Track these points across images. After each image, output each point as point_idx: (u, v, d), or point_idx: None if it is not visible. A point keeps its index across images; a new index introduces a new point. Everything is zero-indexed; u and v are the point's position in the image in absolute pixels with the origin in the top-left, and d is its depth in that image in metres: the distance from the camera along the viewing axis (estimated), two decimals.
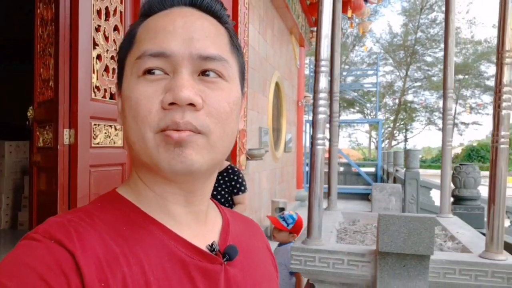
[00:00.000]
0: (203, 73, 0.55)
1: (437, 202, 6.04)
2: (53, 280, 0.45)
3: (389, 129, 50.03)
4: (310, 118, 15.84)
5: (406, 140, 52.08)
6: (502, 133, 1.71)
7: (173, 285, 0.52)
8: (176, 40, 0.54)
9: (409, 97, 47.97)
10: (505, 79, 1.71)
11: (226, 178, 3.09)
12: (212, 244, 0.59)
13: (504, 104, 1.74)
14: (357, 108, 52.88)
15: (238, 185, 3.07)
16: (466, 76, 43.91)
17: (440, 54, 45.49)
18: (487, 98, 45.21)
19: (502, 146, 1.70)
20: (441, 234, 2.02)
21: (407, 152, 5.62)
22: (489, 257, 1.45)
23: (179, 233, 0.57)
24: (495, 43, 30.11)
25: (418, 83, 46.87)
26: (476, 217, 2.87)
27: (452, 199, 3.31)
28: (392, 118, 49.48)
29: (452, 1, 2.78)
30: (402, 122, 50.93)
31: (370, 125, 53.33)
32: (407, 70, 45.78)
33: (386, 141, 50.61)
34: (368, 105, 52.50)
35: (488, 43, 42.64)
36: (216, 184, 3.08)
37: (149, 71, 0.54)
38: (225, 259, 0.59)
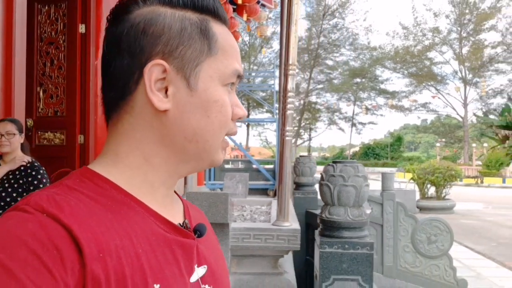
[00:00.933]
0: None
1: None
2: (45, 255, 0.46)
3: (295, 128, 52.37)
4: None
5: (310, 139, 54.88)
6: (287, 128, 2.15)
7: (158, 256, 0.56)
8: (241, 66, 0.64)
9: (313, 99, 50.67)
10: (289, 86, 2.15)
11: (24, 174, 2.82)
12: (184, 222, 0.65)
13: (288, 106, 2.18)
14: (266, 108, 54.60)
15: (36, 182, 2.81)
16: (363, 80, 47.49)
17: (340, 58, 48.74)
18: (382, 100, 49.37)
19: (287, 138, 2.15)
20: (264, 211, 2.44)
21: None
22: (278, 224, 1.86)
23: (158, 211, 0.60)
24: (388, 49, 32.66)
25: (321, 85, 49.65)
26: (312, 199, 3.38)
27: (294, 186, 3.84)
28: (298, 118, 51.85)
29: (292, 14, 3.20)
30: (307, 122, 53.56)
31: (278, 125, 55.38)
32: (311, 72, 48.24)
33: (293, 140, 52.91)
34: (276, 105, 54.51)
35: (382, 49, 46.47)
36: (13, 181, 2.81)
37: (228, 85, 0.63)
38: (196, 235, 0.65)
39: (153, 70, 0.59)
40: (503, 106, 44.99)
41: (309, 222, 3.16)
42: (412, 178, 16.16)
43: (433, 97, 44.26)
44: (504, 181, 27.17)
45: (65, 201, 0.52)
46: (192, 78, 0.60)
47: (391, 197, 5.91)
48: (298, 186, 3.56)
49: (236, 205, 2.85)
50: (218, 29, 0.62)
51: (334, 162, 1.42)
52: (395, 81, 54.11)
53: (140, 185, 0.61)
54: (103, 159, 0.62)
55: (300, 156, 3.83)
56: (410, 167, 16.30)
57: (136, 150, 0.61)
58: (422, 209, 15.34)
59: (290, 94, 2.04)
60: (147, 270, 0.53)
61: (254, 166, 15.96)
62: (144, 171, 0.61)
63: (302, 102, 49.64)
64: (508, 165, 29.13)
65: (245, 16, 11.00)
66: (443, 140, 52.86)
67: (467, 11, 43.29)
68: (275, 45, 49.92)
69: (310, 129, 53.47)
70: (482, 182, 27.59)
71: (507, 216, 14.46)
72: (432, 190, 15.66)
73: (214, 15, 0.63)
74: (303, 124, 53.35)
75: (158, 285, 0.54)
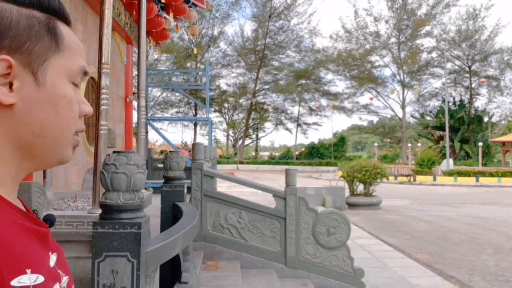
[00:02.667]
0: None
1: (219, 189, 6.88)
2: None
3: (243, 128, 52.65)
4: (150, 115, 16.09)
5: (257, 138, 55.40)
6: (102, 122, 2.27)
7: (24, 244, 0.59)
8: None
9: (260, 99, 51.21)
10: (103, 83, 2.28)
11: None
12: (35, 211, 0.68)
13: (103, 102, 2.31)
14: (216, 107, 54.49)
15: None
16: (307, 81, 48.61)
17: (286, 59, 49.61)
18: (326, 102, 50.75)
19: (102, 132, 2.27)
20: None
21: (193, 145, 6.26)
22: (91, 212, 1.97)
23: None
24: (331, 52, 33.56)
25: (267, 86, 50.29)
26: (178, 192, 3.53)
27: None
28: (245, 118, 52.18)
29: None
30: (256, 122, 54.02)
31: (227, 124, 55.50)
32: (258, 73, 48.74)
33: (240, 140, 53.11)
34: (225, 104, 54.54)
35: (325, 52, 47.75)
36: None
37: (73, 83, 0.65)
38: (48, 224, 0.69)
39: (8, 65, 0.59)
40: (438, 108, 47.68)
41: (175, 214, 3.31)
42: (342, 176, 16.81)
43: (371, 98, 46.10)
44: (435, 179, 28.78)
45: None
46: (40, 73, 0.61)
47: (294, 192, 6.16)
48: (166, 180, 3.70)
49: (85, 197, 2.96)
50: (64, 28, 0.65)
51: (114, 152, 1.55)
52: (338, 83, 55.78)
53: None
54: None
55: (169, 151, 3.97)
56: (341, 166, 16.91)
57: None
58: (350, 205, 16.01)
59: (103, 91, 2.18)
60: (19, 256, 0.56)
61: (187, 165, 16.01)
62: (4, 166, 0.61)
63: (249, 102, 50.04)
64: (439, 164, 30.88)
65: (171, 15, 11.03)
66: (389, 140, 55.17)
67: (405, 17, 45.43)
68: (222, 44, 49.98)
69: (257, 129, 53.99)
70: (414, 180, 29.08)
71: (427, 211, 15.38)
72: (361, 188, 16.37)
73: (59, 16, 0.65)
74: (251, 124, 53.77)
75: (30, 270, 0.57)
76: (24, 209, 0.66)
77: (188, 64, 48.10)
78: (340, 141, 53.23)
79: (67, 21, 0.67)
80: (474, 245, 9.66)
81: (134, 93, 12.29)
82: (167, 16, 11.32)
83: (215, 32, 48.44)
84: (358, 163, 16.16)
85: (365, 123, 61.00)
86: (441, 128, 42.96)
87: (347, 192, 16.47)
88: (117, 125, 11.10)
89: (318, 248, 6.29)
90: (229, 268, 5.75)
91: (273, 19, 47.58)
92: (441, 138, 43.54)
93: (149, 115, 18.90)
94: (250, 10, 59.62)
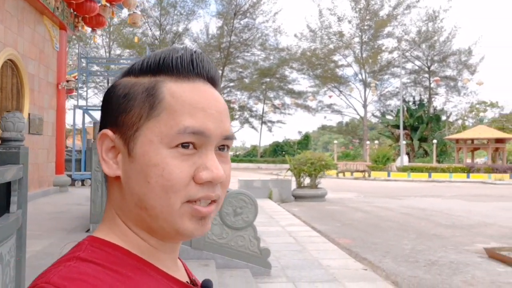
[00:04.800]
0: (219, 147, 0.62)
1: None
2: None
3: None
4: (81, 103, 15.71)
5: None
6: None
7: None
8: (213, 122, 0.59)
9: (225, 97, 51.08)
10: None
11: None
12: (192, 280, 0.68)
13: None
14: None
15: None
16: (272, 79, 48.84)
17: (251, 57, 49.67)
18: (290, 100, 51.08)
19: None
20: None
21: (95, 124, 6.11)
22: None
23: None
24: (295, 51, 33.83)
25: (232, 84, 50.25)
26: (13, 154, 3.39)
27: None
28: None
29: None
30: None
31: None
32: (223, 70, 48.63)
33: None
34: None
35: (289, 50, 48.07)
36: None
37: (182, 144, 0.58)
38: None
39: (103, 139, 0.62)
40: (398, 107, 48.78)
41: None
42: (289, 169, 16.91)
43: (330, 96, 46.75)
44: (389, 175, 29.41)
45: (86, 276, 0.52)
46: (132, 144, 0.60)
47: None
48: (2, 141, 3.58)
49: None
50: (173, 87, 0.60)
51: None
52: (302, 82, 56.18)
53: (143, 250, 0.61)
54: (104, 225, 0.63)
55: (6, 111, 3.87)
56: (288, 159, 17.02)
57: (118, 215, 0.63)
58: (297, 197, 16.12)
59: None
60: None
61: None
62: (136, 239, 0.61)
63: None
64: (394, 160, 31.57)
65: (103, 0, 10.80)
66: (358, 140, 56.03)
67: (367, 17, 46.27)
68: (187, 41, 49.58)
69: None
70: (369, 175, 29.62)
71: (370, 203, 15.67)
72: (308, 181, 16.51)
73: (174, 74, 0.61)
74: None
75: None
76: (187, 278, 0.67)
77: None
78: (305, 139, 53.72)
79: (187, 77, 0.61)
80: (400, 232, 9.88)
81: (67, 81, 11.99)
82: (105, 3, 11.10)
83: (180, 29, 48.03)
84: (304, 155, 16.28)
85: (334, 123, 61.76)
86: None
87: (295, 185, 16.59)
88: (46, 112, 10.78)
89: (225, 229, 6.26)
90: None
91: (239, 17, 47.58)
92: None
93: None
94: (216, 7, 59.37)
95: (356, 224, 10.87)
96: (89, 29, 12.30)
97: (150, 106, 0.59)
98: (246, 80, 48.91)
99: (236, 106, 51.39)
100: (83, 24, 11.48)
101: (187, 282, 0.66)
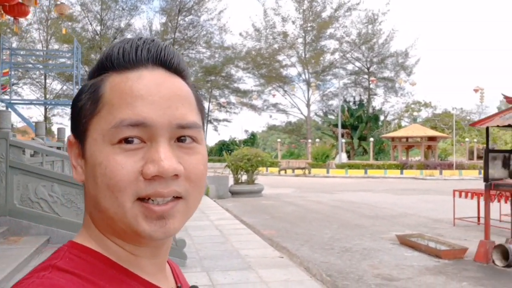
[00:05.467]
0: (179, 138, 0.56)
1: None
2: None
3: None
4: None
5: None
6: None
7: None
8: (155, 109, 0.53)
9: None
10: None
11: None
12: (178, 287, 0.65)
13: None
14: None
15: None
16: (217, 78, 48.72)
17: (196, 55, 49.29)
18: (236, 99, 51.21)
19: None
20: None
21: (1, 112, 5.84)
22: None
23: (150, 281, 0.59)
24: (239, 50, 33.81)
25: None
26: None
27: None
28: None
29: None
30: None
31: None
32: None
33: None
34: (77, 87, 52.78)
35: (234, 49, 48.16)
36: None
37: (125, 140, 0.53)
38: None
39: (71, 146, 0.60)
40: (340, 107, 50.31)
41: None
42: (227, 165, 16.97)
43: (274, 96, 47.45)
44: (328, 172, 30.27)
45: None
46: (83, 146, 0.57)
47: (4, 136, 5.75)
48: None
49: None
50: (115, 80, 0.56)
51: None
52: (247, 81, 56.63)
53: (122, 256, 0.57)
54: (83, 229, 0.61)
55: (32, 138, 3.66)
56: (226, 155, 17.07)
57: (92, 220, 0.60)
58: (234, 193, 16.22)
59: None
60: None
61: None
62: (112, 245, 0.58)
63: None
64: (333, 158, 32.53)
65: None
66: (305, 140, 57.03)
67: (311, 18, 47.31)
68: (129, 37, 48.21)
69: None
70: (309, 172, 30.34)
71: (304, 197, 16.06)
72: (246, 177, 16.65)
73: (119, 67, 0.56)
74: None
75: None
76: (173, 285, 0.65)
77: (93, 56, 45.93)
78: (251, 138, 54.07)
79: (132, 66, 0.56)
80: (324, 222, 10.20)
81: None
82: None
83: (122, 24, 46.74)
84: (241, 151, 16.41)
85: (283, 123, 62.37)
86: (342, 125, 45.35)
87: (232, 182, 16.66)
88: None
89: None
90: (31, 242, 5.43)
91: (183, 14, 47.01)
92: (342, 135, 45.97)
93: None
94: (159, 3, 58.39)
95: (285, 217, 11.10)
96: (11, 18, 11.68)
97: (92, 104, 0.57)
98: (191, 79, 48.41)
99: None
100: (2, 12, 10.88)
101: None
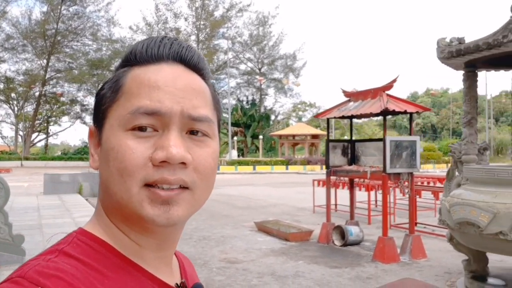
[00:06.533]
0: (191, 131, 0.57)
1: None
2: None
3: (30, 122, 47.07)
4: None
5: (47, 133, 50.26)
6: None
7: None
8: (169, 99, 0.55)
9: (51, 89, 46.71)
10: None
11: None
12: (182, 282, 0.64)
13: None
14: (1, 97, 47.54)
15: None
16: (104, 72, 46.40)
17: (82, 48, 46.40)
18: None
19: None
20: None
21: None
22: None
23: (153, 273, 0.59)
24: (129, 43, 32.34)
25: (60, 74, 46.20)
26: None
27: None
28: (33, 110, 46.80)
29: None
30: (48, 115, 49.07)
31: (16, 117, 48.92)
32: (48, 59, 44.36)
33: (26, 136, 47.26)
34: (13, 95, 47.99)
35: (123, 42, 46.31)
36: None
37: (139, 128, 0.55)
38: None
39: (91, 135, 0.62)
40: (233, 106, 51.19)
41: None
42: None
43: None
44: (218, 168, 30.58)
45: (62, 273, 0.50)
46: (101, 133, 0.59)
47: None
48: None
49: None
50: (136, 72, 0.58)
51: None
52: None
53: (127, 246, 0.58)
54: (94, 216, 0.62)
55: None
56: None
57: (103, 207, 0.61)
58: None
59: None
60: None
61: None
62: (118, 233, 0.58)
63: (38, 91, 45.12)
64: (223, 155, 32.94)
65: None
66: None
67: (204, 16, 47.34)
68: (5, 25, 43.83)
69: (48, 122, 49.12)
70: None
71: None
72: None
73: (142, 61, 0.59)
74: (46, 117, 48.67)
75: None
76: (179, 280, 0.64)
77: None
78: None
79: (151, 60, 0.59)
80: (195, 215, 10.23)
81: None
82: None
83: None
84: None
85: None
86: (236, 124, 46.19)
87: None
88: None
89: None
90: None
91: (67, 3, 43.94)
92: (236, 133, 46.84)
93: None
94: None
95: None
96: None
97: (113, 92, 0.58)
98: (76, 72, 45.49)
99: (65, 99, 47.51)
100: None
101: (177, 284, 0.62)
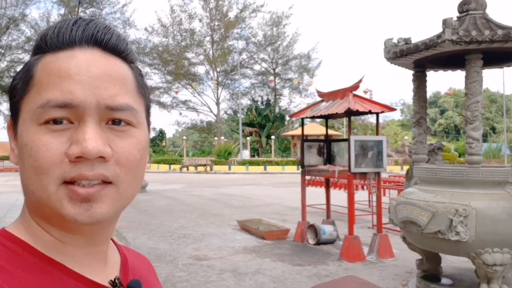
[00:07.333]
0: (112, 121, 0.53)
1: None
2: None
3: None
4: None
5: None
6: None
7: None
8: (82, 89, 0.51)
9: None
10: None
11: None
12: (114, 279, 0.59)
13: None
14: None
15: None
16: None
17: None
18: None
19: None
20: None
21: None
22: None
23: (80, 272, 0.55)
24: (144, 44, 32.64)
25: None
26: None
27: None
28: None
29: None
30: None
31: None
32: None
33: None
34: None
35: (139, 44, 47.00)
36: None
37: (53, 120, 0.51)
38: None
39: (9, 127, 0.58)
40: (248, 106, 51.40)
41: None
42: None
43: (176, 92, 47.25)
44: (230, 168, 30.80)
45: None
46: (16, 128, 0.56)
47: None
48: None
49: None
50: (47, 60, 0.54)
51: None
52: (154, 77, 55.43)
53: (49, 244, 0.55)
54: (19, 216, 0.59)
55: None
56: None
57: (26, 205, 0.58)
58: None
59: None
60: None
61: None
62: (39, 231, 0.55)
63: None
64: (237, 155, 33.17)
65: None
66: (222, 137, 57.06)
67: (218, 17, 47.68)
68: (25, 28, 45.09)
69: None
70: (211, 169, 30.63)
71: (188, 192, 16.23)
72: None
73: (51, 46, 0.54)
74: None
75: None
76: (114, 273, 0.61)
77: None
78: (159, 135, 53.23)
79: (62, 45, 0.54)
80: (185, 213, 10.44)
81: None
82: None
83: (16, 14, 43.50)
84: None
85: (198, 121, 61.67)
86: (250, 124, 46.38)
87: None
88: None
89: None
90: None
91: (84, 6, 44.84)
92: (251, 133, 47.04)
93: None
94: None
95: (151, 210, 11.18)
96: None
97: (23, 84, 0.55)
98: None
99: None
100: None
101: (111, 281, 0.58)
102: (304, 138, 7.08)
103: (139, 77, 0.60)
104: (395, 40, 4.33)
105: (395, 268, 5.51)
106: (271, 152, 45.96)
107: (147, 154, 0.59)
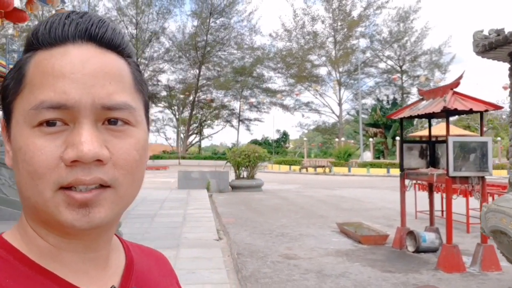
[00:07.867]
0: (109, 120, 0.51)
1: None
2: None
3: (185, 126, 52.87)
4: None
5: (201, 135, 55.47)
6: None
7: None
8: (77, 88, 0.49)
9: (202, 95, 51.76)
10: None
11: None
12: (113, 287, 0.56)
13: None
14: (166, 104, 54.51)
15: None
16: (248, 78, 49.56)
17: (227, 56, 50.42)
18: (267, 99, 51.85)
19: None
20: None
21: None
22: None
23: (74, 281, 0.53)
24: (268, 50, 34.35)
25: (210, 82, 50.93)
26: None
27: None
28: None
29: None
30: (202, 119, 54.38)
31: (177, 120, 55.73)
32: (200, 69, 49.28)
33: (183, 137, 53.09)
34: (174, 101, 54.74)
35: (264, 50, 48.79)
36: None
37: (47, 122, 0.49)
38: None
39: (3, 129, 0.56)
40: (372, 106, 49.62)
41: None
42: (228, 161, 17.66)
43: (297, 94, 47.53)
44: (349, 170, 30.18)
45: None
46: (9, 130, 0.53)
47: None
48: None
49: None
50: (40, 57, 0.51)
51: None
52: (277, 81, 56.85)
53: (43, 251, 0.53)
54: (17, 222, 0.57)
55: None
56: (226, 151, 17.75)
57: (23, 211, 0.56)
58: (234, 187, 16.86)
59: None
60: None
61: None
62: (35, 238, 0.54)
63: (192, 98, 50.46)
64: (358, 157, 32.35)
65: None
66: (343, 139, 56.74)
67: (341, 17, 47.06)
68: (163, 40, 49.98)
69: (202, 125, 54.32)
70: (330, 171, 30.37)
71: (301, 192, 16.42)
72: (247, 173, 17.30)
73: (43, 43, 0.52)
74: (202, 121, 53.99)
75: None
76: (114, 283, 0.57)
77: None
78: (283, 137, 54.52)
79: (57, 41, 0.51)
80: (290, 213, 10.63)
81: None
82: None
83: (157, 28, 48.72)
84: (239, 148, 17.03)
85: (320, 122, 61.98)
86: (375, 125, 44.78)
87: (233, 176, 17.33)
88: None
89: None
90: None
91: (215, 16, 48.23)
92: (375, 134, 45.37)
93: None
94: (190, 6, 59.89)
95: (260, 208, 11.62)
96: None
97: (15, 83, 0.52)
98: (222, 79, 49.62)
99: (213, 104, 51.94)
100: (2, 18, 12.10)
101: None
102: (403, 140, 6.71)
103: (137, 72, 0.57)
104: (486, 32, 3.92)
105: (497, 282, 4.94)
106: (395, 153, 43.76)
107: (147, 154, 0.56)
